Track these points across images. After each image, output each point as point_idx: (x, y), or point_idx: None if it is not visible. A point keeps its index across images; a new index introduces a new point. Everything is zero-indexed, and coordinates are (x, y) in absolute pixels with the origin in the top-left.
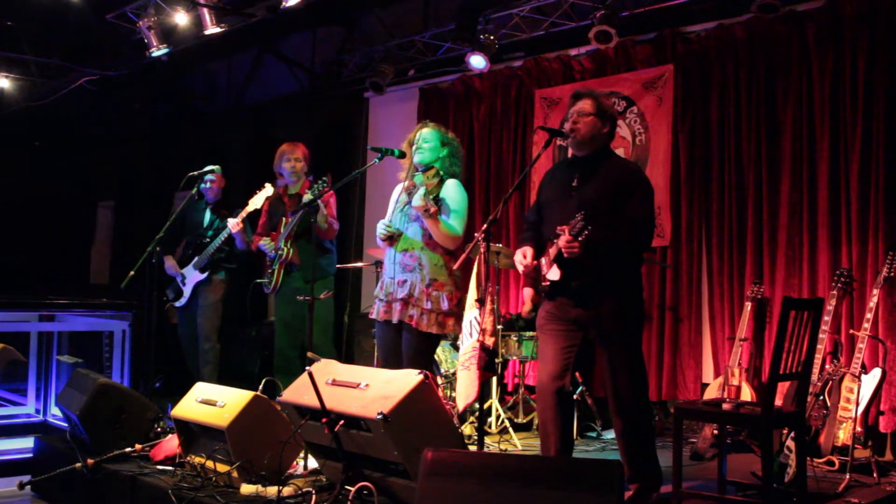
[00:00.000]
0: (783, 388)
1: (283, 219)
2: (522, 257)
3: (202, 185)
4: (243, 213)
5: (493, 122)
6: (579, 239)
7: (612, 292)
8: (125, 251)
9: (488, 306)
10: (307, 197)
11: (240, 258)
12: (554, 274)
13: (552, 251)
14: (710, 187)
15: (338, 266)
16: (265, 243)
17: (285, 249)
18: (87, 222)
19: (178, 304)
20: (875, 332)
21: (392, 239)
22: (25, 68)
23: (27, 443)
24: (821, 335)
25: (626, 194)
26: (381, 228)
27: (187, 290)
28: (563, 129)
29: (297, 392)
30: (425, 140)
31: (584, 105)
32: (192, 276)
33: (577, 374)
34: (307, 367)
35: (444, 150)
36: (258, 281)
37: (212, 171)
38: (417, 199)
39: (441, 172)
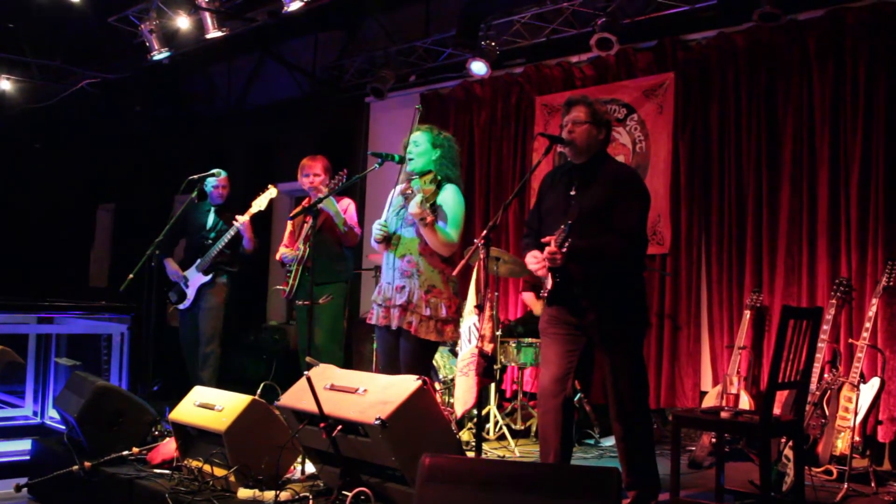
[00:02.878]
0: (782, 396)
1: (305, 223)
2: (534, 259)
3: (208, 189)
4: (248, 214)
5: (494, 129)
6: (562, 250)
7: (612, 297)
8: (125, 254)
9: (487, 312)
10: (327, 203)
11: (242, 260)
12: (549, 282)
13: (545, 261)
14: (709, 195)
15: None
16: (284, 251)
17: (303, 248)
18: (87, 225)
19: (181, 306)
20: (874, 342)
21: (388, 241)
22: (27, 70)
23: (24, 445)
24: (819, 344)
25: (619, 200)
26: (376, 230)
27: (191, 293)
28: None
29: (296, 396)
30: (416, 144)
31: (578, 113)
32: (196, 278)
33: (575, 380)
34: (305, 372)
35: (436, 151)
36: (277, 287)
37: (214, 175)
38: (414, 206)
39: (438, 177)
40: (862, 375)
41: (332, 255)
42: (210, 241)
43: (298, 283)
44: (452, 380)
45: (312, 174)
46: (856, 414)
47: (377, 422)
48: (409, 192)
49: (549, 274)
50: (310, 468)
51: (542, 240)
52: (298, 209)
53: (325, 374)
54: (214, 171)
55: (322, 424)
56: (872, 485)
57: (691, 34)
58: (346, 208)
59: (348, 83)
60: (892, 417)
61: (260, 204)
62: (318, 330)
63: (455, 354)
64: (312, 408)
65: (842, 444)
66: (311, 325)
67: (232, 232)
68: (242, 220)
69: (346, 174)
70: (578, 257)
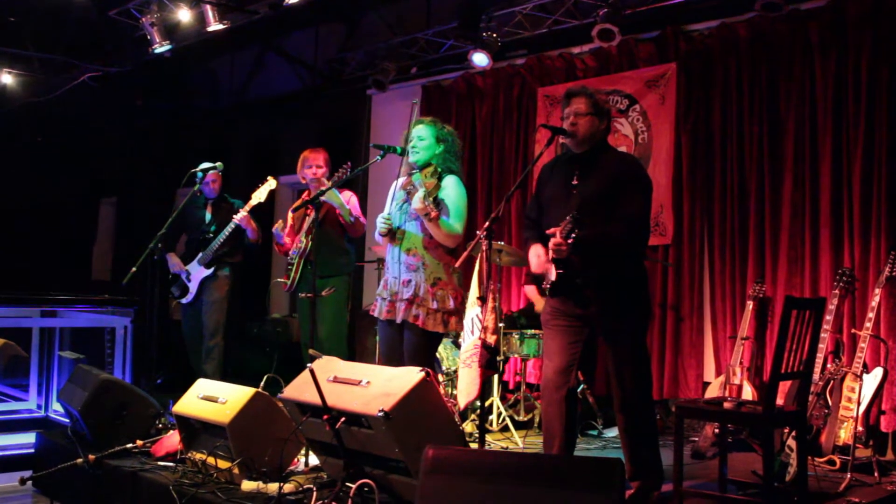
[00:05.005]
0: (784, 387)
1: (306, 216)
2: (537, 258)
3: (202, 183)
4: (247, 207)
5: (496, 120)
6: (568, 241)
7: (614, 288)
8: (127, 247)
9: (490, 304)
10: (330, 194)
11: (244, 251)
12: (552, 274)
13: (549, 252)
14: (712, 186)
15: None
16: (278, 228)
17: (304, 241)
18: (90, 218)
19: (183, 301)
20: (877, 332)
21: (392, 234)
22: (28, 64)
23: (29, 438)
24: (822, 334)
25: (622, 189)
26: (380, 223)
27: (193, 287)
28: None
29: (299, 389)
30: (420, 138)
31: (579, 105)
32: (198, 272)
33: (578, 371)
34: (308, 364)
35: (440, 146)
36: (277, 280)
37: (213, 168)
38: (417, 202)
39: (439, 170)
40: (865, 365)
41: (335, 248)
42: (210, 235)
43: (300, 275)
44: (455, 371)
45: (315, 166)
46: (859, 404)
47: (380, 413)
48: (411, 186)
49: (553, 265)
50: (313, 460)
51: (548, 231)
52: (299, 202)
53: (328, 366)
54: (213, 164)
55: (325, 416)
56: (875, 474)
57: (693, 24)
58: (348, 200)
59: (350, 75)
60: (895, 407)
61: (259, 196)
62: (321, 323)
63: (458, 346)
64: (316, 400)
65: (845, 435)
66: (314, 318)
67: (232, 226)
68: (240, 215)
69: (350, 167)
70: (584, 247)
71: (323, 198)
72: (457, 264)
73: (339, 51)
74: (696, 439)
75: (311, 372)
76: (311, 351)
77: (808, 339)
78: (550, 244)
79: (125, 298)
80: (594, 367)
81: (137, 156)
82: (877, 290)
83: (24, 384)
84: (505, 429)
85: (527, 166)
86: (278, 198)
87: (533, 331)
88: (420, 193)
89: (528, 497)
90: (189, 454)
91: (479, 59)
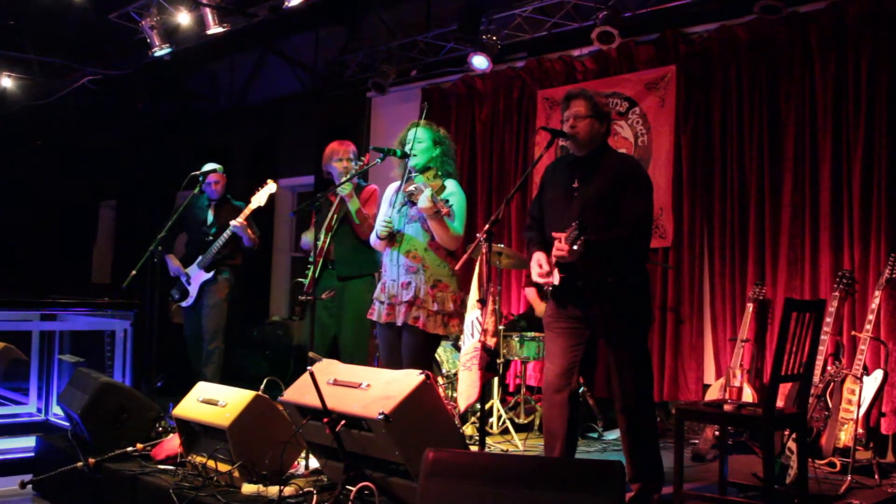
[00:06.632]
0: (785, 389)
1: (330, 214)
2: (538, 267)
3: (205, 184)
4: (246, 212)
5: (496, 123)
6: (573, 248)
7: (616, 290)
8: (127, 250)
9: (490, 307)
10: (344, 187)
11: (244, 254)
12: (555, 278)
13: (553, 257)
14: (712, 188)
15: None
16: (306, 237)
17: (323, 238)
18: (89, 222)
19: (184, 304)
20: (877, 334)
21: (392, 237)
22: (28, 67)
23: (29, 442)
24: (822, 337)
25: (624, 190)
26: (380, 226)
27: (193, 290)
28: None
29: (299, 392)
30: (418, 140)
31: (579, 108)
32: (197, 275)
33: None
34: (308, 367)
35: (437, 149)
36: (298, 280)
37: (213, 171)
38: (425, 201)
39: (439, 173)
40: (865, 368)
41: (353, 246)
42: (211, 238)
43: (320, 275)
44: (455, 374)
45: (345, 158)
46: (859, 406)
47: (380, 416)
48: (414, 188)
49: (556, 269)
50: (313, 463)
51: (554, 234)
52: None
53: (328, 369)
54: (213, 166)
55: (325, 419)
56: (876, 477)
57: (693, 27)
58: (371, 194)
59: (350, 78)
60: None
61: (259, 199)
62: (346, 329)
63: (458, 349)
64: (316, 403)
65: (845, 437)
66: (313, 320)
67: (230, 231)
68: (238, 220)
69: (368, 159)
70: (592, 251)
71: (338, 189)
72: (457, 267)
73: (339, 53)
74: (697, 441)
75: (311, 375)
76: (311, 354)
77: (808, 341)
78: (554, 250)
79: (125, 301)
80: (595, 369)
81: (137, 159)
82: (877, 293)
83: (24, 388)
84: (505, 431)
85: (526, 169)
86: (278, 201)
87: (533, 333)
88: (427, 193)
89: (528, 499)
90: (189, 457)
91: (479, 61)
